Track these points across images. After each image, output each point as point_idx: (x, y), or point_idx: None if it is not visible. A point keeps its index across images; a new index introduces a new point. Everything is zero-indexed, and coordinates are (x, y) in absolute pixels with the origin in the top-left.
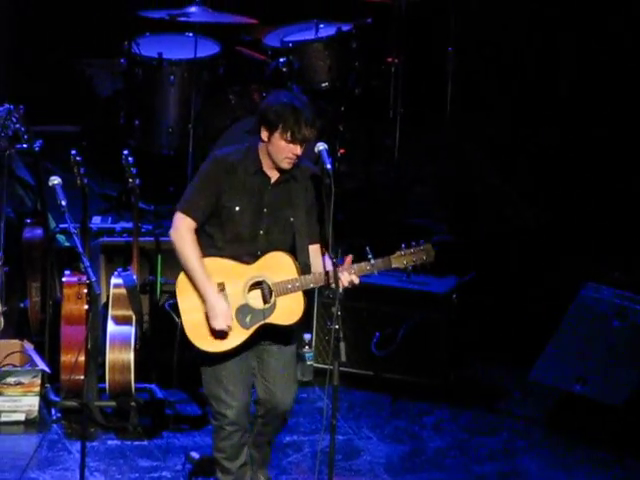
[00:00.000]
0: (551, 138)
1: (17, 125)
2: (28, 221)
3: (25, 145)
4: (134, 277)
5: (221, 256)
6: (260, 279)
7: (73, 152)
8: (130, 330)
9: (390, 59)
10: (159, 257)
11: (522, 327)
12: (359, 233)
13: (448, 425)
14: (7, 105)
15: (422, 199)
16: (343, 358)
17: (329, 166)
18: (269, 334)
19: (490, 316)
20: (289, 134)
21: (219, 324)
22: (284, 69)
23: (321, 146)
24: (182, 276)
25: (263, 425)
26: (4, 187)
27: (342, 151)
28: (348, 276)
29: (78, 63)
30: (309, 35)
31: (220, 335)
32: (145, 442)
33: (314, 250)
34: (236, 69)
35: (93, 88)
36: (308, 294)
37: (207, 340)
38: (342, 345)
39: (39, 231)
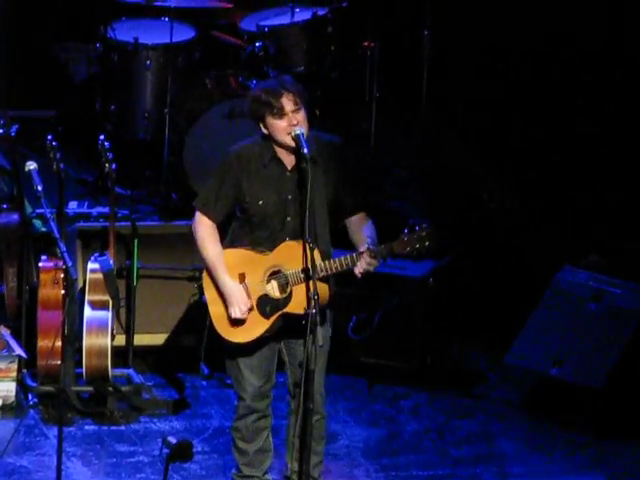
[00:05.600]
0: (528, 121)
1: None
2: (4, 206)
3: (1, 130)
4: (111, 262)
5: (252, 245)
6: (277, 269)
7: (49, 137)
8: (107, 315)
9: (366, 43)
10: (136, 242)
11: (499, 310)
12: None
13: (425, 409)
14: None
15: (399, 182)
16: (320, 342)
17: (306, 150)
18: (295, 325)
19: (467, 300)
20: (274, 111)
21: (235, 312)
22: (260, 54)
23: (297, 130)
24: (206, 270)
25: (302, 428)
26: None
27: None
28: (363, 264)
29: (54, 48)
30: (285, 19)
31: (241, 325)
32: (122, 427)
33: (357, 221)
34: (212, 54)
35: (69, 73)
36: (330, 280)
37: (230, 330)
38: (319, 330)
39: (15, 216)
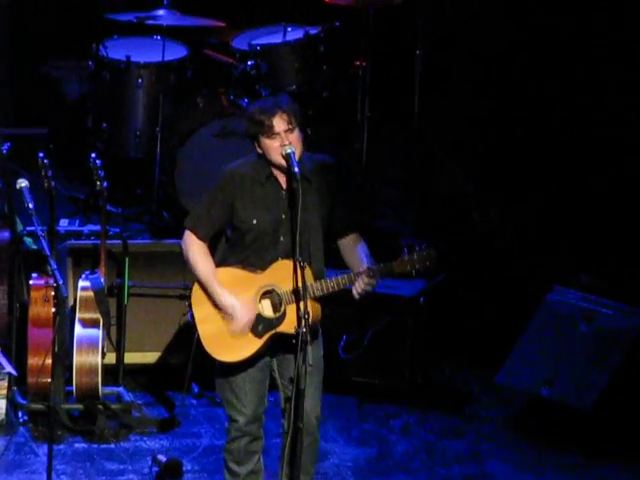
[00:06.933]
0: (519, 141)
1: None
2: None
3: None
4: (101, 280)
5: (243, 265)
6: (270, 288)
7: (41, 155)
8: (97, 333)
9: (358, 62)
10: (126, 260)
11: (490, 330)
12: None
13: (415, 428)
14: None
15: (390, 202)
16: (310, 361)
17: (296, 169)
18: (288, 343)
19: (457, 319)
20: (268, 131)
21: (240, 323)
22: (252, 72)
23: (288, 149)
24: (196, 287)
25: (291, 446)
26: None
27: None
28: (362, 284)
29: (46, 65)
30: (277, 38)
31: (232, 344)
32: (112, 445)
33: (350, 242)
34: (204, 72)
35: (61, 91)
36: (322, 301)
37: (222, 350)
38: (309, 348)
39: (6, 234)
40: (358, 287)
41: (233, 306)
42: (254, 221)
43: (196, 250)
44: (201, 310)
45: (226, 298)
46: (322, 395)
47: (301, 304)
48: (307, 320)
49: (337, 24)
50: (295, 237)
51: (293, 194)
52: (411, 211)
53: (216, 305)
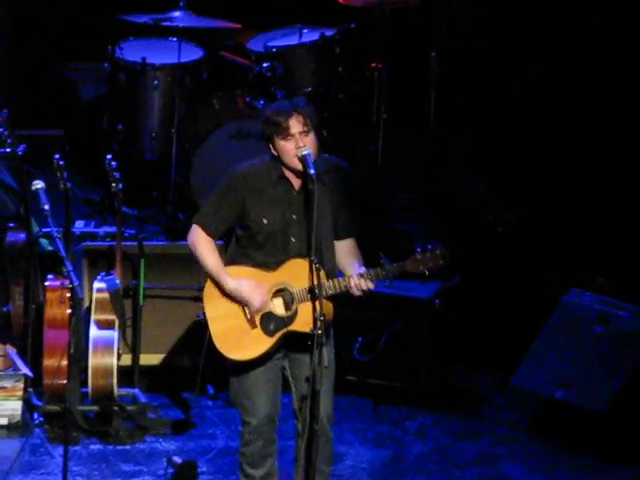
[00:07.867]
0: (536, 142)
1: (0, 129)
2: (11, 225)
3: (8, 149)
4: (117, 281)
5: (254, 264)
6: (282, 286)
7: (56, 156)
8: (113, 334)
9: (374, 64)
10: (142, 261)
11: (506, 332)
12: None
13: (430, 430)
14: None
15: (405, 204)
16: (325, 364)
17: (312, 171)
18: (300, 342)
19: (473, 321)
20: (283, 133)
21: (253, 306)
22: (268, 74)
23: (305, 151)
24: (208, 285)
25: (307, 448)
26: None
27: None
28: (363, 283)
29: (62, 67)
30: (293, 40)
31: (243, 342)
32: (127, 446)
33: (347, 246)
34: (219, 74)
35: (77, 92)
36: (335, 300)
37: (233, 348)
38: (325, 350)
39: (22, 235)
40: (363, 285)
41: (241, 292)
42: (264, 221)
43: (204, 244)
44: (212, 308)
45: (232, 285)
46: (337, 397)
47: (317, 305)
48: (322, 322)
49: (353, 25)
50: (311, 238)
51: (309, 195)
52: (426, 213)
53: (228, 301)
